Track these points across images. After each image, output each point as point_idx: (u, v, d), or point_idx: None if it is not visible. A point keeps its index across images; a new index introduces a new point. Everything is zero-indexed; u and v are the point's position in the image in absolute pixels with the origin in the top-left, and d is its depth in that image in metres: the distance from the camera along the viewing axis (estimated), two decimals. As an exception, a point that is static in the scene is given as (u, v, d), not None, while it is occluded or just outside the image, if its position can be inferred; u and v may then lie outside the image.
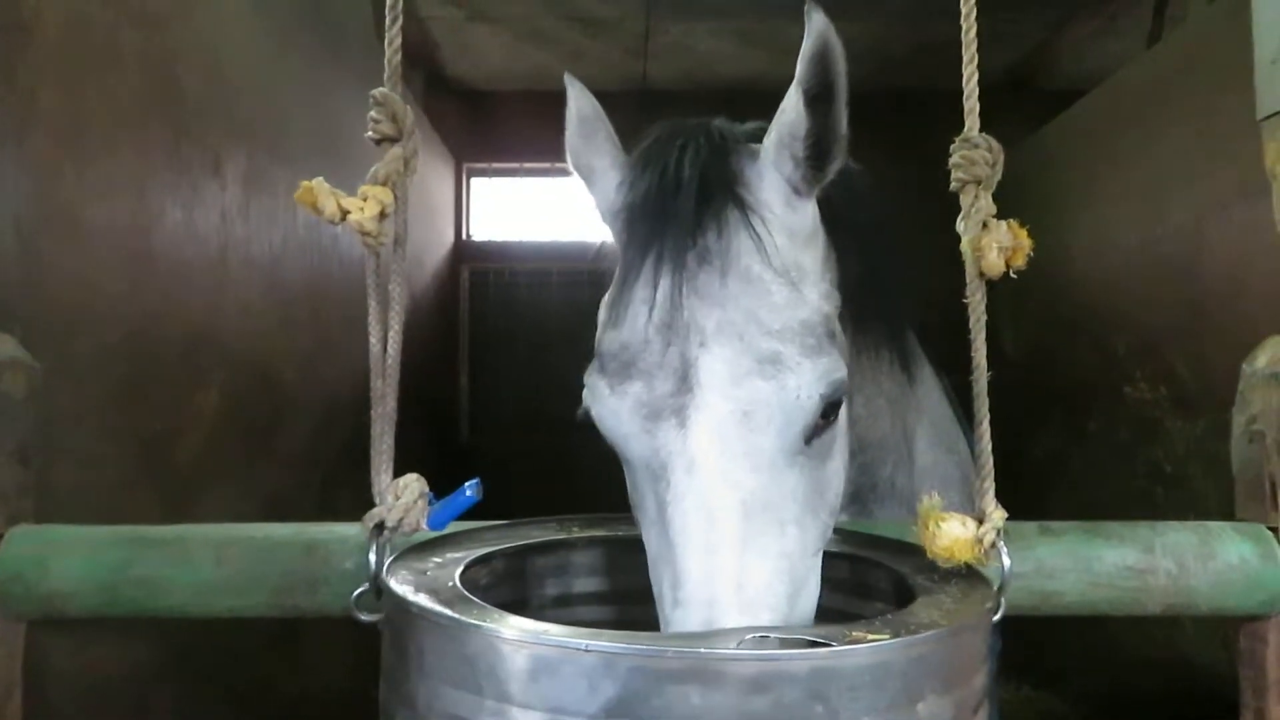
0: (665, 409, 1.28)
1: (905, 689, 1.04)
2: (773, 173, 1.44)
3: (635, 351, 1.32)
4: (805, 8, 1.34)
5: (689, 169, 1.41)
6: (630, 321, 1.35)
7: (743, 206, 1.38)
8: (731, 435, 1.25)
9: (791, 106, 1.40)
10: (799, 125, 1.39)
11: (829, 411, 1.31)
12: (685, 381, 1.28)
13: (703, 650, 1.03)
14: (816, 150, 1.41)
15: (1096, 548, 1.71)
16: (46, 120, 2.09)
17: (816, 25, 1.33)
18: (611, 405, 1.32)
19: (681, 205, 1.37)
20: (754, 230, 1.36)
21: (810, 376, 1.28)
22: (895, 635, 1.07)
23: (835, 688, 0.99)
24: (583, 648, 1.01)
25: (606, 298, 1.44)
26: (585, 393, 1.38)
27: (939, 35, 6.54)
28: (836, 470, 1.40)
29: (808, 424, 1.29)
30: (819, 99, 1.37)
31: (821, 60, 1.35)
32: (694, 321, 1.30)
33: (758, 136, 1.49)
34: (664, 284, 1.33)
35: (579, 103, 1.61)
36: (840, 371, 1.32)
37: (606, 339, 1.38)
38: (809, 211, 1.48)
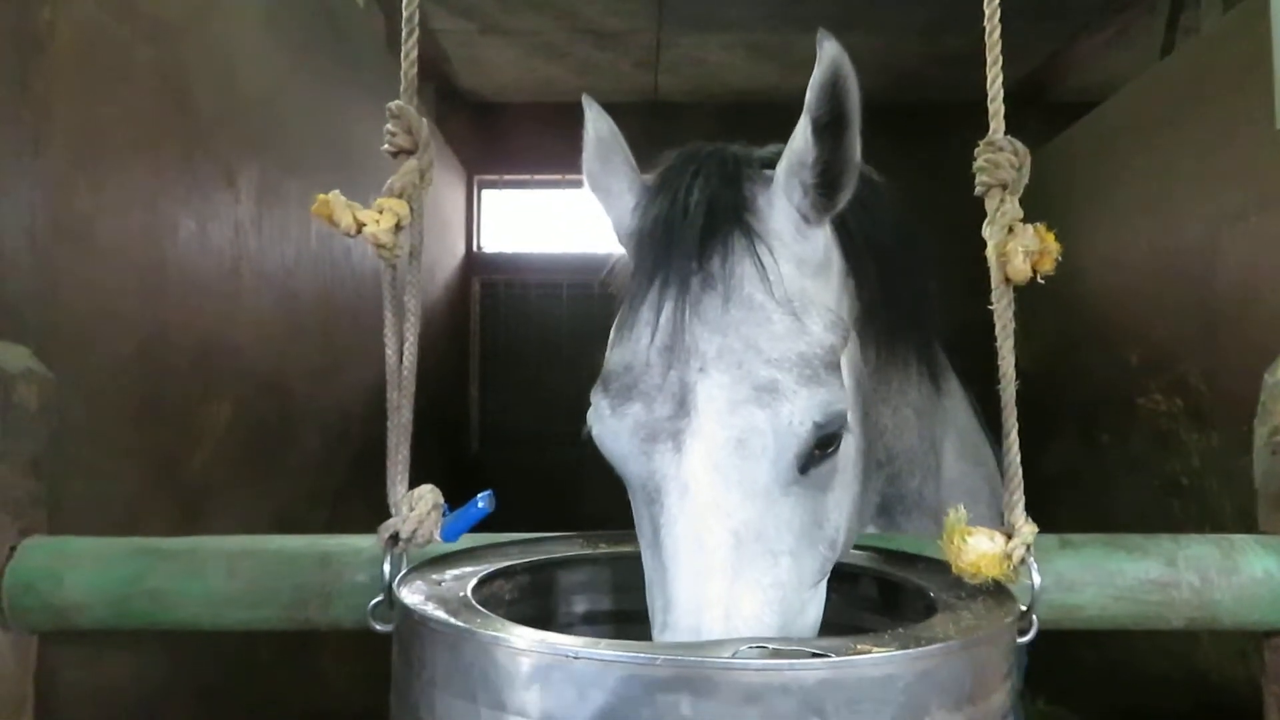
0: (662, 432, 1.27)
1: (910, 704, 1.01)
2: (783, 200, 1.43)
3: (637, 373, 1.32)
4: (818, 34, 1.31)
5: (698, 194, 1.41)
6: (633, 343, 1.35)
7: (749, 233, 1.38)
8: (726, 462, 1.24)
9: (800, 134, 1.39)
10: (807, 153, 1.39)
11: (826, 442, 1.29)
12: (683, 406, 1.27)
13: (694, 659, 1.01)
14: (826, 179, 1.40)
15: (1118, 561, 1.69)
16: (61, 134, 2.09)
17: (829, 53, 1.31)
18: (612, 426, 1.33)
19: (688, 230, 1.37)
20: (759, 258, 1.35)
21: (805, 404, 1.26)
22: (902, 648, 1.04)
23: (833, 701, 0.97)
24: (571, 655, 1.00)
25: (616, 319, 1.44)
26: (589, 412, 1.38)
27: (949, 48, 6.59)
28: (838, 502, 1.37)
29: (800, 452, 1.27)
30: (830, 127, 1.36)
31: (832, 89, 1.33)
32: (695, 346, 1.30)
33: (775, 162, 1.47)
34: (668, 308, 1.33)
35: (597, 125, 1.60)
36: (839, 404, 1.30)
37: (612, 359, 1.38)
38: (819, 240, 1.46)
